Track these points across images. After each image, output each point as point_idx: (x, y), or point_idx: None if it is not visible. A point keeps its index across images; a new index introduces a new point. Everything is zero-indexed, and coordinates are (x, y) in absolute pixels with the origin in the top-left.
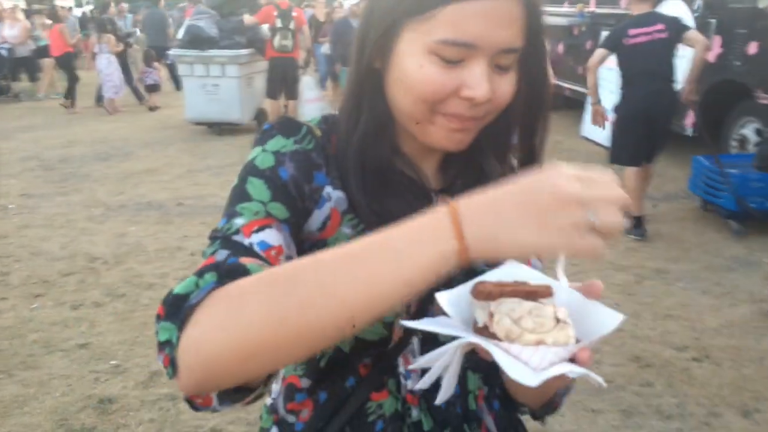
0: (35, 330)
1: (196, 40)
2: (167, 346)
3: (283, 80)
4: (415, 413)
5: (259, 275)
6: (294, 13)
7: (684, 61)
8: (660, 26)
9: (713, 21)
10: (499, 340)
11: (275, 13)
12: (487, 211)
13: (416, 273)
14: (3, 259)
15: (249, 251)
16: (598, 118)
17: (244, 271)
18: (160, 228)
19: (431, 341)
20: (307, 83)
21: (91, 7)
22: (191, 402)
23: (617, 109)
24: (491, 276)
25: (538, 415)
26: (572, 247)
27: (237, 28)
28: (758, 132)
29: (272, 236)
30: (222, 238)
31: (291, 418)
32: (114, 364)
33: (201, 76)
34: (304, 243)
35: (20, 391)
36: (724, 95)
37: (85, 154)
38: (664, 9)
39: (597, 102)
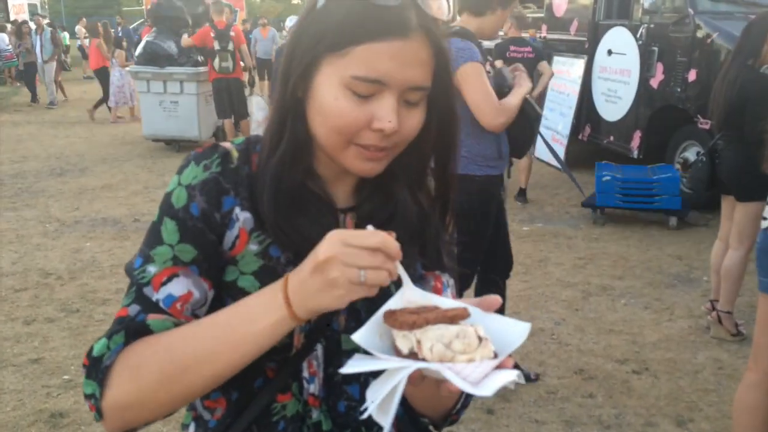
0: None
1: (153, 57)
2: (92, 398)
3: (229, 101)
4: (315, 415)
5: (153, 347)
6: (232, 33)
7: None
8: (529, 49)
9: (655, 49)
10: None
11: (212, 35)
12: (299, 286)
13: (265, 337)
14: None
15: (156, 307)
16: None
17: (146, 331)
18: (115, 244)
19: (335, 349)
20: (257, 103)
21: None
22: None
23: None
24: (394, 304)
25: (439, 425)
26: (350, 299)
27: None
28: (698, 155)
29: (179, 286)
30: (136, 287)
31: (207, 415)
32: (66, 378)
33: (158, 93)
34: (220, 261)
35: None
36: (666, 120)
37: (39, 170)
38: (610, 37)
39: None
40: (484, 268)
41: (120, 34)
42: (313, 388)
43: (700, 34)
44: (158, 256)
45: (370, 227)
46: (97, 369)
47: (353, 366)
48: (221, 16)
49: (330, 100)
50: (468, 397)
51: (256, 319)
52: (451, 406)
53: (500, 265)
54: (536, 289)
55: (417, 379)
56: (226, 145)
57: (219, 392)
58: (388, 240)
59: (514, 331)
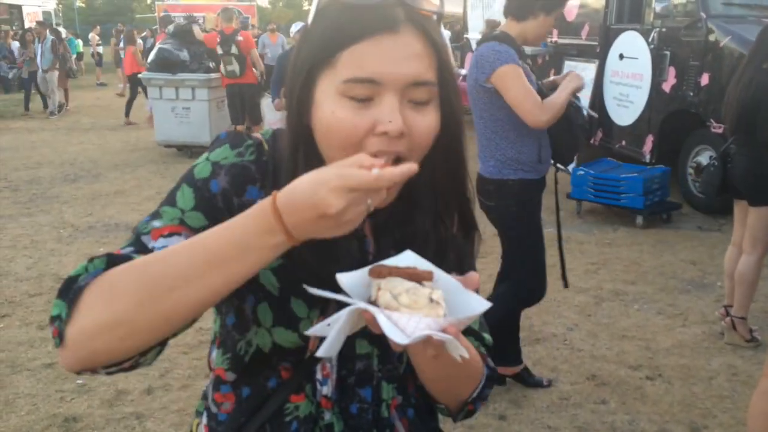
0: (1, 350)
1: (165, 64)
2: (57, 320)
3: (242, 107)
4: (327, 416)
5: (131, 263)
6: (239, 38)
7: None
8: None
9: (667, 53)
10: None
11: (218, 39)
12: (305, 224)
13: (258, 264)
14: None
15: (147, 252)
16: None
17: (129, 260)
18: None
19: (348, 353)
20: (268, 105)
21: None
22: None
23: None
24: (390, 261)
25: (455, 416)
26: (367, 182)
27: (208, 51)
28: (711, 159)
29: (177, 243)
30: (135, 236)
31: (214, 408)
32: (80, 383)
33: (171, 99)
34: None
35: None
36: (679, 124)
37: (53, 176)
38: (621, 41)
39: None
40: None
41: (121, 44)
42: (326, 389)
43: (712, 37)
44: (166, 214)
45: (409, 252)
46: (68, 289)
47: (318, 291)
48: (231, 23)
49: (328, 115)
50: (485, 389)
51: (251, 247)
52: (468, 394)
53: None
54: (548, 294)
55: (423, 350)
56: (258, 136)
57: (230, 387)
58: (383, 171)
59: (472, 307)
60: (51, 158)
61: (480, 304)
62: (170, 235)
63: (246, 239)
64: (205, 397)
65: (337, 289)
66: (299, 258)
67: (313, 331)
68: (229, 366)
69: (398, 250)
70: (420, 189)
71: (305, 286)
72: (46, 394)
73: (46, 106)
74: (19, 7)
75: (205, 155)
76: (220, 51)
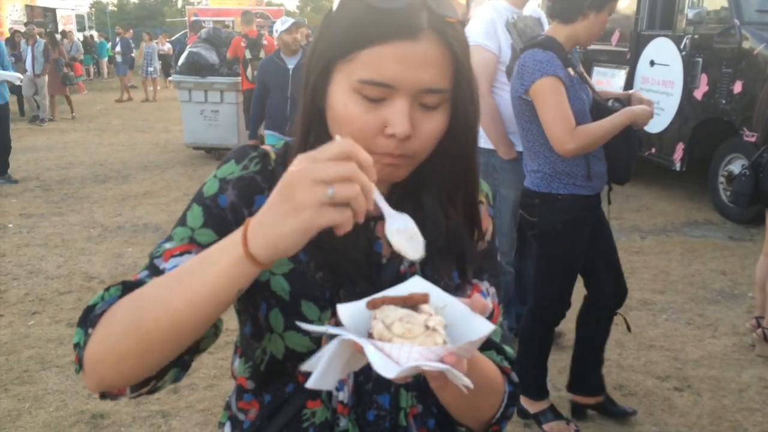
0: (31, 346)
1: (195, 67)
2: (77, 348)
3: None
4: (343, 423)
5: (132, 295)
6: (264, 42)
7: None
8: None
9: (699, 60)
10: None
11: (243, 44)
12: (261, 218)
13: (219, 279)
14: (1, 276)
15: (160, 274)
16: None
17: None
18: None
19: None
20: None
21: (93, 32)
22: (104, 393)
23: None
24: (398, 288)
25: None
26: (317, 223)
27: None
28: (743, 168)
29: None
30: (150, 260)
31: (241, 416)
32: None
33: (200, 102)
34: None
35: (15, 405)
36: (711, 132)
37: (84, 176)
38: (653, 47)
39: None
40: (590, 299)
41: (119, 47)
42: (342, 395)
43: (746, 45)
44: (177, 235)
45: (417, 278)
46: (86, 318)
47: (312, 327)
48: (251, 26)
49: (340, 107)
50: (509, 408)
51: (213, 261)
52: (491, 415)
53: (606, 296)
54: (575, 303)
55: (437, 379)
56: (266, 147)
57: (252, 395)
58: (357, 147)
59: (474, 330)
60: (82, 159)
61: (484, 327)
62: (181, 254)
63: (210, 253)
64: (228, 407)
65: (351, 293)
66: (309, 259)
67: (306, 366)
68: (249, 375)
69: None
70: (430, 193)
71: (298, 323)
72: (74, 391)
73: (22, 113)
74: (53, 11)
75: (213, 173)
76: (248, 55)
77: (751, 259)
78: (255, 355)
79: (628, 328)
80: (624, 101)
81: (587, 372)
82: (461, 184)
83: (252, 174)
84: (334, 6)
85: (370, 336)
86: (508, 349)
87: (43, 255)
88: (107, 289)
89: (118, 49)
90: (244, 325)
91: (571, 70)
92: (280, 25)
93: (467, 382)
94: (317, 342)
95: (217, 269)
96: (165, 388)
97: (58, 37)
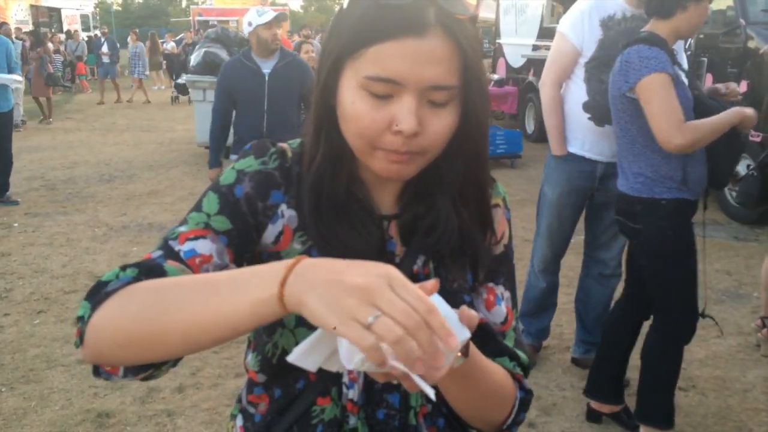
0: (37, 345)
1: (211, 67)
2: (80, 321)
3: None
4: (352, 421)
5: (151, 285)
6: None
7: None
8: None
9: (705, 60)
10: None
11: None
12: (311, 276)
13: (242, 313)
14: (6, 276)
15: (176, 256)
16: None
17: (161, 272)
18: None
19: None
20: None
21: (98, 31)
22: (98, 370)
23: None
24: None
25: None
26: (342, 331)
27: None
28: (749, 168)
29: (203, 246)
30: (164, 241)
31: (251, 409)
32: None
33: (213, 101)
34: (263, 254)
35: (20, 404)
36: None
37: (89, 175)
38: None
39: None
40: (626, 305)
41: (105, 47)
42: (352, 393)
43: (751, 44)
44: (192, 219)
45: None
46: (97, 293)
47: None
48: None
49: (348, 104)
50: (520, 413)
51: (242, 291)
52: (500, 420)
53: (644, 305)
54: None
55: (404, 379)
56: (283, 145)
57: (262, 388)
58: (434, 311)
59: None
60: (87, 158)
61: (461, 336)
62: (196, 238)
63: (243, 279)
64: (239, 400)
65: None
66: (317, 245)
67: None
68: (259, 368)
69: (425, 253)
70: (443, 193)
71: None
72: (80, 390)
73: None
74: (58, 11)
75: (231, 165)
76: None
77: (756, 259)
78: (266, 349)
79: (721, 332)
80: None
81: (609, 379)
82: (473, 182)
83: (270, 170)
84: (345, 2)
85: None
86: (522, 355)
87: (48, 254)
88: (123, 269)
89: (105, 50)
90: None
91: (675, 67)
92: (256, 15)
93: (429, 391)
94: None
95: (245, 302)
96: (161, 375)
97: (62, 37)
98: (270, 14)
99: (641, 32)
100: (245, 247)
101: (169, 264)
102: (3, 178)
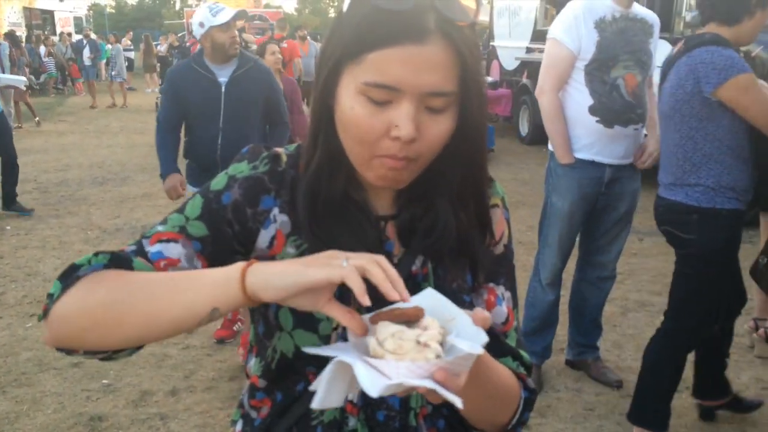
0: (29, 348)
1: None
2: (49, 298)
3: None
4: (352, 422)
5: (119, 277)
6: (284, 44)
7: None
8: None
9: None
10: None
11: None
12: (269, 267)
13: (204, 290)
14: None
15: (144, 255)
16: None
17: (129, 264)
18: None
19: None
20: None
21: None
22: (59, 347)
23: None
24: (411, 300)
25: None
26: (321, 273)
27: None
28: None
29: (172, 250)
30: (141, 237)
31: (253, 414)
32: (106, 383)
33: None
34: (259, 258)
35: (13, 407)
36: None
37: (82, 178)
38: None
39: None
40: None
41: (87, 50)
42: (352, 395)
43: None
44: (171, 220)
45: (429, 290)
46: (69, 275)
47: (316, 350)
48: (284, 32)
49: (347, 109)
50: (524, 413)
51: (210, 274)
52: (505, 420)
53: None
54: None
55: (429, 394)
56: (278, 149)
57: (264, 393)
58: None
59: (470, 346)
60: (80, 161)
61: (479, 343)
62: (168, 241)
63: (210, 270)
64: (241, 405)
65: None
66: (313, 247)
67: (312, 386)
68: (261, 373)
69: (423, 254)
70: (441, 196)
71: (303, 348)
72: (72, 393)
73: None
74: (51, 13)
75: (225, 170)
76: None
77: (748, 261)
78: (267, 353)
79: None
80: None
81: (713, 375)
82: (471, 183)
83: (260, 174)
84: (345, 5)
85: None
86: (524, 354)
87: (40, 257)
88: (96, 255)
89: (87, 53)
90: (257, 324)
91: None
92: (209, 15)
93: (455, 400)
94: (326, 342)
95: (206, 283)
96: (120, 359)
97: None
98: (227, 13)
99: (704, 34)
100: (220, 255)
101: (139, 259)
102: (8, 187)
